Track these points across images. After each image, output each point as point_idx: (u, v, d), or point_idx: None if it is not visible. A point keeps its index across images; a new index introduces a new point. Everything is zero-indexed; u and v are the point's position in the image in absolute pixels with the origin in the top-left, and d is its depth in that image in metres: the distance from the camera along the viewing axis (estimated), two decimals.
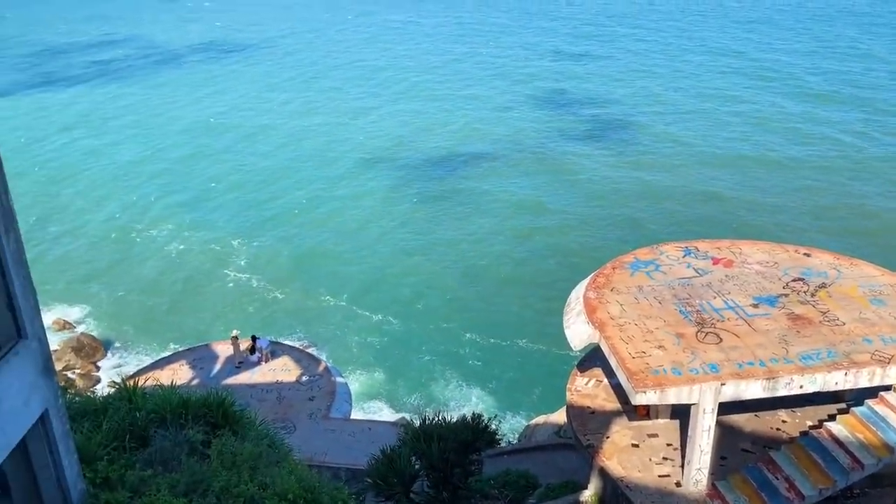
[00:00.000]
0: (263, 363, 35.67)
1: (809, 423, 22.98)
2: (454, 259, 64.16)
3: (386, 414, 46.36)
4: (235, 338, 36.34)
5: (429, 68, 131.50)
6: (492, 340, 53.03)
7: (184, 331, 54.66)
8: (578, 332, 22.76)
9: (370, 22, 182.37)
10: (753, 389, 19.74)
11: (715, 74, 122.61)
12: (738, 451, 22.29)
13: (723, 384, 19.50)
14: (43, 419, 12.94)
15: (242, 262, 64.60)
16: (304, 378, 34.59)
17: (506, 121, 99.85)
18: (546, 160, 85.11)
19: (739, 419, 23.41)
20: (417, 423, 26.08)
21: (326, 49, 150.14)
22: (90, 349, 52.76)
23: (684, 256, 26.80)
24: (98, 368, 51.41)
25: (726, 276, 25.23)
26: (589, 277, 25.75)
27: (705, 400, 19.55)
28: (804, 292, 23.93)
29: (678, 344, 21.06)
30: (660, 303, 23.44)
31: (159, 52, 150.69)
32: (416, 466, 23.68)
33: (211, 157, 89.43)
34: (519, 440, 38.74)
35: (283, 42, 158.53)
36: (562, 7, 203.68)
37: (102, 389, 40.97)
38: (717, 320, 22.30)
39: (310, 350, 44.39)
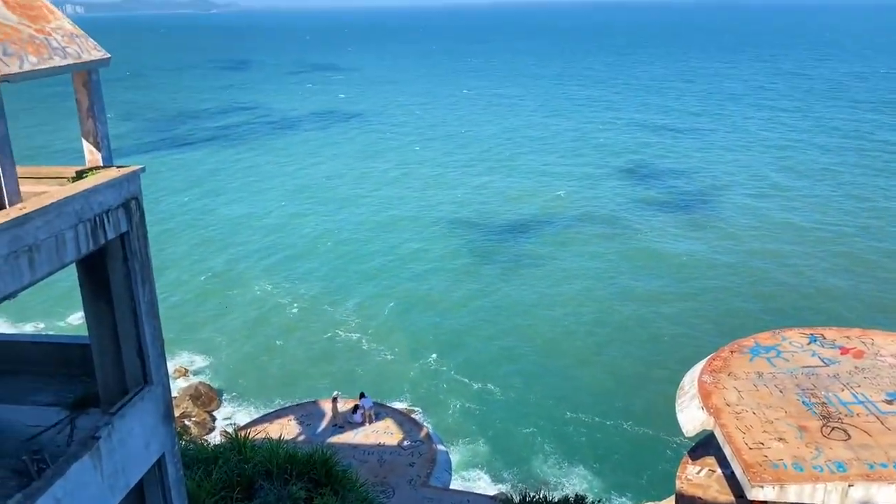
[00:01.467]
0: (367, 424, 35.95)
1: None
2: (551, 327, 63.44)
3: (485, 485, 45.46)
4: (335, 399, 36.87)
5: (529, 141, 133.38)
6: (596, 418, 51.40)
7: (293, 386, 56.12)
8: (691, 418, 21.74)
9: (482, 95, 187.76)
10: (886, 494, 18.12)
11: (832, 155, 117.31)
12: None
13: (850, 485, 18.01)
14: (160, 463, 13.51)
15: (352, 322, 66.12)
16: (405, 443, 34.53)
17: (601, 193, 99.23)
18: (642, 234, 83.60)
19: None
20: (517, 499, 25.43)
21: (436, 120, 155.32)
22: (206, 398, 54.89)
23: (809, 344, 25.30)
24: (213, 418, 53.30)
25: (856, 367, 23.57)
26: (704, 360, 24.68)
27: (830, 501, 18.09)
28: None
29: (800, 437, 19.71)
30: (781, 392, 22.11)
31: (283, 119, 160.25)
32: None
33: (322, 218, 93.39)
34: None
35: (398, 113, 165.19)
36: (674, 84, 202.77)
37: (215, 438, 42.36)
38: (845, 415, 20.77)
39: (413, 414, 44.43)
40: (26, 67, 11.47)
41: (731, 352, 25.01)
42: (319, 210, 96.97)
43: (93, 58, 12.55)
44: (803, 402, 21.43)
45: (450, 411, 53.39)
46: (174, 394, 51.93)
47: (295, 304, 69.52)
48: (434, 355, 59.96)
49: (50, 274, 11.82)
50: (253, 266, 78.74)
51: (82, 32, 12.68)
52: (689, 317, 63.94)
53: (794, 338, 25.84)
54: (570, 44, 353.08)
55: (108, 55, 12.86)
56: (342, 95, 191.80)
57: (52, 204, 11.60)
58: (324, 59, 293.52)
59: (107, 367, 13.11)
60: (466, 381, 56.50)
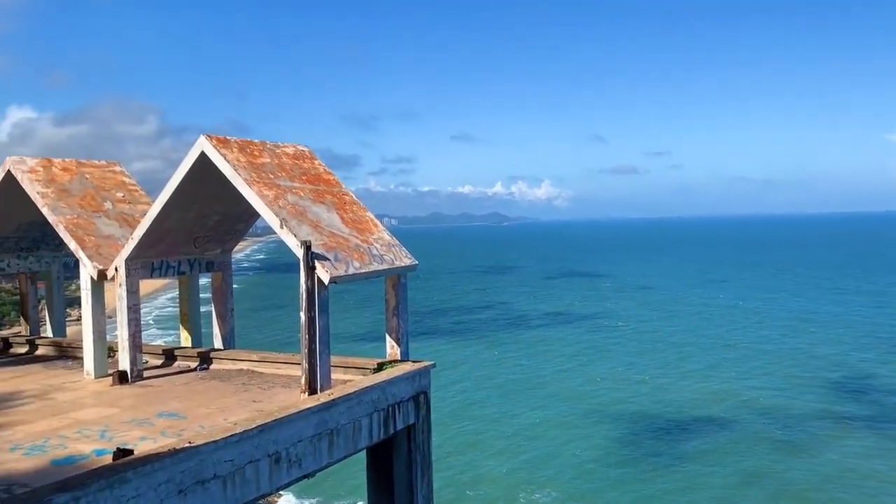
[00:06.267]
0: None
1: None
2: None
3: None
4: None
5: (763, 353, 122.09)
6: None
7: None
8: None
9: (736, 305, 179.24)
10: None
11: None
12: None
13: None
14: None
15: None
16: None
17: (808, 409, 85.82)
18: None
19: None
20: None
21: (675, 329, 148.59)
22: None
23: None
24: None
25: None
26: None
27: None
28: None
29: None
30: None
31: (524, 319, 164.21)
32: None
33: (574, 423, 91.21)
34: None
35: (640, 318, 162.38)
36: None
37: None
38: None
39: None
40: (350, 271, 13.22)
41: None
42: (572, 414, 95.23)
43: (404, 264, 14.15)
44: None
45: None
46: None
47: None
48: None
49: (345, 458, 12.72)
50: (492, 459, 78.32)
51: (397, 242, 14.45)
52: None
53: None
54: (851, 257, 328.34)
55: (416, 262, 14.42)
56: (610, 304, 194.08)
57: (354, 392, 12.75)
58: (587, 265, 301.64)
59: None
60: None
